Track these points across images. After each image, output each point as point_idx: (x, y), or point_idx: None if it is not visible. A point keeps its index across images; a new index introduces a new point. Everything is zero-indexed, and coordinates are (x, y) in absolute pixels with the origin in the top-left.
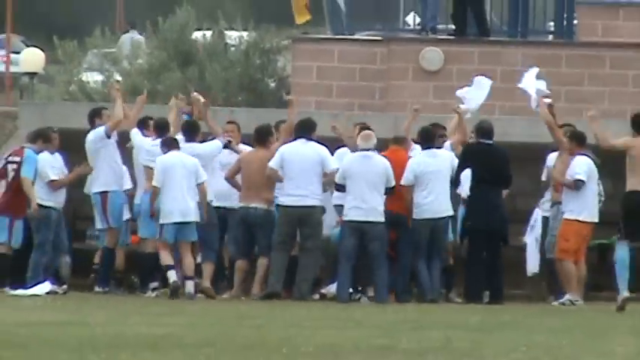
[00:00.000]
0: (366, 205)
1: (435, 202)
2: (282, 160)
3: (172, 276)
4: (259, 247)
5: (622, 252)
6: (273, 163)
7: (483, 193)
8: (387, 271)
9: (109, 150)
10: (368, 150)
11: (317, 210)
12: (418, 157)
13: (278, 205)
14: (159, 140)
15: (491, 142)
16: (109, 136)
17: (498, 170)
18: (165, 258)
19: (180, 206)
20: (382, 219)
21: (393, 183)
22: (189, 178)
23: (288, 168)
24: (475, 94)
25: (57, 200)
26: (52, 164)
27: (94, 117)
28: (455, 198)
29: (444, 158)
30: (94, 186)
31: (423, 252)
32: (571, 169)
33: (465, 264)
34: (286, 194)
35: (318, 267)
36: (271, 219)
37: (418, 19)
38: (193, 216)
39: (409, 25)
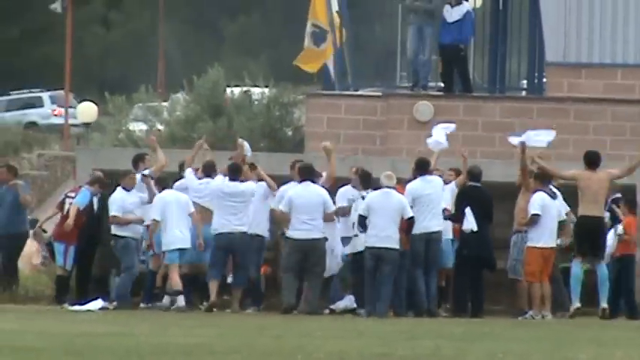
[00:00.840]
0: (384, 233)
1: (428, 219)
2: (291, 201)
3: (181, 301)
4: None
5: (576, 268)
6: (282, 206)
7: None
8: (391, 290)
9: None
10: (389, 187)
11: (321, 241)
12: (415, 183)
13: (287, 238)
14: (206, 179)
15: (479, 184)
16: (152, 179)
17: (486, 208)
18: (177, 283)
19: (180, 235)
20: (397, 246)
21: (409, 214)
22: (183, 211)
23: (295, 207)
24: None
25: (133, 231)
26: (125, 200)
27: (138, 161)
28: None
29: (437, 183)
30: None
31: (419, 262)
32: (529, 206)
33: (455, 285)
34: (294, 229)
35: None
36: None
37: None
38: (188, 243)
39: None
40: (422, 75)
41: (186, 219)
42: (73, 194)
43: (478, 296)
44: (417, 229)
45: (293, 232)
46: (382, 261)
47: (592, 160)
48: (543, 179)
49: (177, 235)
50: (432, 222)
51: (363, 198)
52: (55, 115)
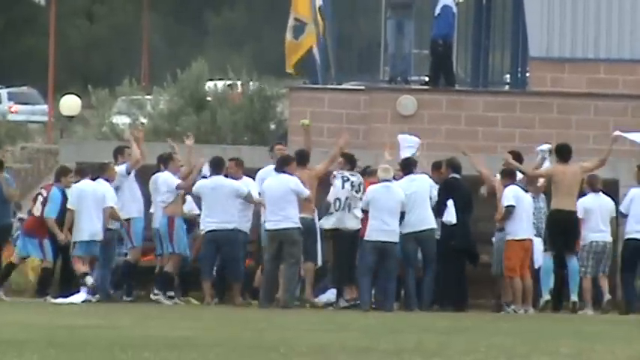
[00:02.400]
0: (387, 227)
1: (415, 217)
2: (263, 192)
3: (90, 280)
4: (305, 253)
5: (547, 261)
6: (261, 196)
7: (460, 219)
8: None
9: (130, 183)
10: (388, 181)
11: (292, 231)
12: (401, 182)
13: (266, 230)
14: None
15: (459, 176)
16: (129, 173)
17: (466, 200)
18: (80, 268)
19: (90, 227)
20: (397, 240)
21: (403, 209)
22: (98, 203)
23: (266, 198)
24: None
25: (116, 224)
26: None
27: (117, 154)
28: None
29: (422, 181)
30: (119, 213)
31: (410, 262)
32: (502, 199)
33: (443, 278)
34: (267, 220)
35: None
36: (315, 229)
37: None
38: (99, 236)
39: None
40: (402, 69)
41: (100, 211)
42: (44, 193)
43: (462, 290)
44: (405, 229)
45: (267, 224)
46: (386, 255)
47: (563, 153)
48: (511, 175)
49: (88, 228)
50: (421, 220)
51: (344, 178)
52: (12, 112)
